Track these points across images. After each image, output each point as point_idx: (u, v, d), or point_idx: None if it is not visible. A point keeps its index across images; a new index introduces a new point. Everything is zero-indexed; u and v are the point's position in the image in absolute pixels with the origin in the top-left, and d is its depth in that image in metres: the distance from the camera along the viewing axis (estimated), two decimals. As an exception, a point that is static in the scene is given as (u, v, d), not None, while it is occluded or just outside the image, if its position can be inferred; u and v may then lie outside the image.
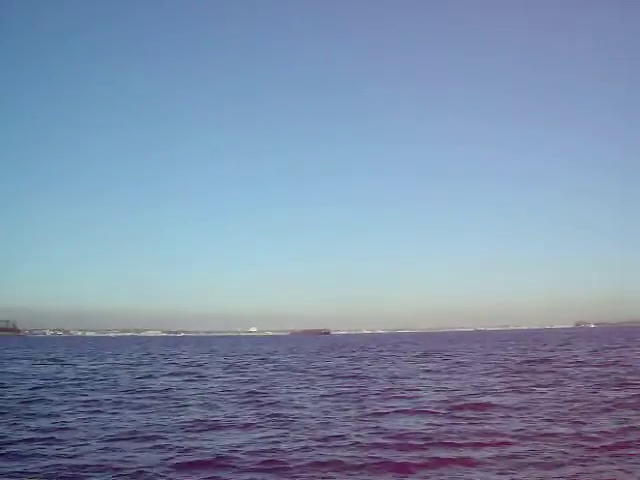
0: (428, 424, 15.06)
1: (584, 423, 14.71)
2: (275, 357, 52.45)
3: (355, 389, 23.09)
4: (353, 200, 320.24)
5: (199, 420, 15.92)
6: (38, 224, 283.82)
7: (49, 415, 17.06)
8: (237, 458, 11.82)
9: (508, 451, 12.02)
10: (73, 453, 12.29)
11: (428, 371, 31.72)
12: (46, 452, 12.37)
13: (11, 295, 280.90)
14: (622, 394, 19.64)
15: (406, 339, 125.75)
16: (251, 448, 12.59)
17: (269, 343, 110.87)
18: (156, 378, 29.49)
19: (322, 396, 20.94)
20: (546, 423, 14.82)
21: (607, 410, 16.63)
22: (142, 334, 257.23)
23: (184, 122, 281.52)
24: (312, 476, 10.63)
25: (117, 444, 13.06)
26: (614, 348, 52.32)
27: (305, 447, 12.65)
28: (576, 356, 41.78)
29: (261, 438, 13.67)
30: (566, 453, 11.77)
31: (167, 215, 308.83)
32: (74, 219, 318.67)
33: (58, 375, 31.88)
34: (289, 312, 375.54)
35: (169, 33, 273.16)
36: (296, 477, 10.61)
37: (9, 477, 10.46)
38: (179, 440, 13.48)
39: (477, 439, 13.23)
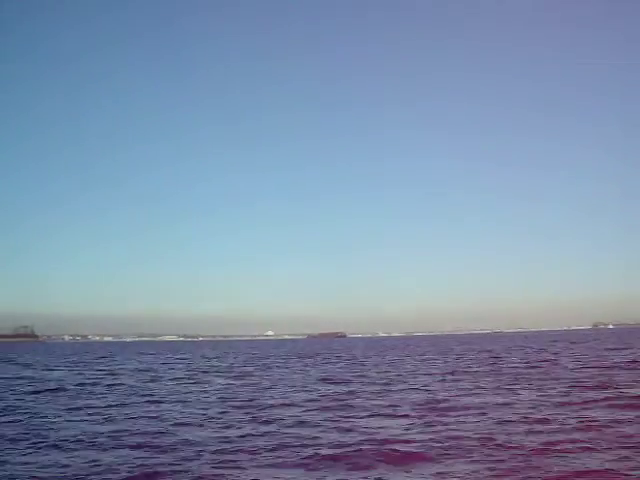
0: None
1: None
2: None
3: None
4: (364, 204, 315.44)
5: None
6: (55, 232, 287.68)
7: None
8: None
9: None
10: None
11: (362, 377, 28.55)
12: None
13: (29, 301, 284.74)
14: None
15: (411, 342, 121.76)
16: None
17: (273, 347, 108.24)
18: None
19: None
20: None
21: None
22: (158, 339, 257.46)
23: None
24: None
25: None
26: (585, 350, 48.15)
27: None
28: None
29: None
30: None
31: (187, 225, 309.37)
32: (90, 227, 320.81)
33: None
34: (306, 315, 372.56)
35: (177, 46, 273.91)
36: None
37: None
38: None
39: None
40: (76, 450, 11.66)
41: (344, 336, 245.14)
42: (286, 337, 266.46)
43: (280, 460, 10.62)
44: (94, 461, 10.61)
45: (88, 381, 27.92)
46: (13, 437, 13.04)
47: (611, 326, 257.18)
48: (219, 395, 20.72)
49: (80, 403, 19.06)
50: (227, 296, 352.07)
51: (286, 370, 34.97)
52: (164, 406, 18.01)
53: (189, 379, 28.74)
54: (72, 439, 12.65)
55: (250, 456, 10.92)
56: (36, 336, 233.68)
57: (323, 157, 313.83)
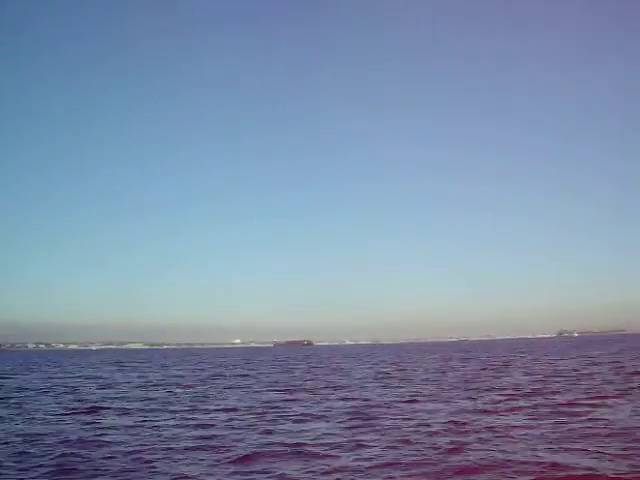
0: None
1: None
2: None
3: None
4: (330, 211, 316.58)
5: None
6: (18, 236, 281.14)
7: None
8: None
9: None
10: None
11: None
12: None
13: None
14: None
15: (376, 351, 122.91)
16: None
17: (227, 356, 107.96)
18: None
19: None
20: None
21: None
22: (124, 347, 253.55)
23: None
24: None
25: None
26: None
27: None
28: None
29: None
30: None
31: (151, 227, 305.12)
32: (55, 231, 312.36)
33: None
34: (273, 324, 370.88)
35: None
36: None
37: None
38: None
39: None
40: None
41: (311, 344, 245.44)
42: (253, 345, 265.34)
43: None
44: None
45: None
46: None
47: (576, 334, 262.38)
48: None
49: None
50: (194, 304, 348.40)
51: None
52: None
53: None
54: None
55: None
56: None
57: (299, 178, 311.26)
